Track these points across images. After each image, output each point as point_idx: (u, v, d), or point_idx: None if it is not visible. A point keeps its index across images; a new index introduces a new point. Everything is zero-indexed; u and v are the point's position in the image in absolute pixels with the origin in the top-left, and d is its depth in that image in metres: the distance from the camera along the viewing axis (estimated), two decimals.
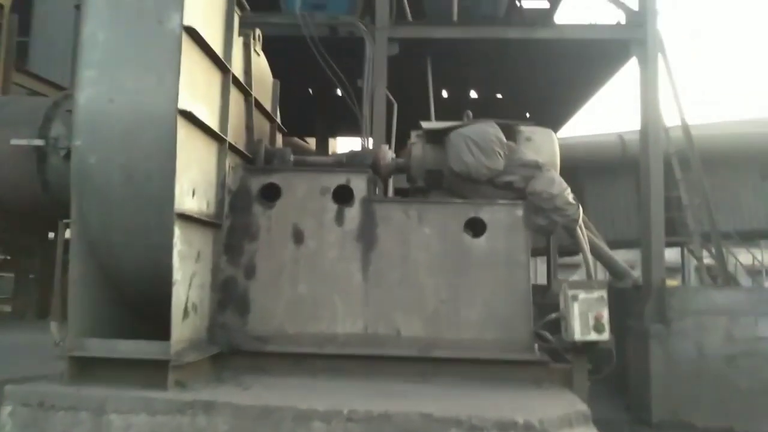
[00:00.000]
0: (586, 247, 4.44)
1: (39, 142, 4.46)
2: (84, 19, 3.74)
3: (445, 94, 11.77)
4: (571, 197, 4.36)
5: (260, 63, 5.36)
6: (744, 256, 14.75)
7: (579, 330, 3.90)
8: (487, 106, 11.23)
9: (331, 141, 15.44)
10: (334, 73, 8.41)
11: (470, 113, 5.04)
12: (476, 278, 4.40)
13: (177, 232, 3.68)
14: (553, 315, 4.11)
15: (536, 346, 4.18)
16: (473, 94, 12.00)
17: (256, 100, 5.12)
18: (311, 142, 14.73)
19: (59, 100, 4.49)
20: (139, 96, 3.69)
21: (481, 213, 4.50)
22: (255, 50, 5.14)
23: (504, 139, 4.56)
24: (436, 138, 4.85)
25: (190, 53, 3.77)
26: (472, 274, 4.41)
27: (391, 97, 8.43)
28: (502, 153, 4.50)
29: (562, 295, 4.02)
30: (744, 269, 13.57)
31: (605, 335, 3.90)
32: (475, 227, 4.51)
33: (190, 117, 3.76)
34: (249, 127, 4.96)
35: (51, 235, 6.77)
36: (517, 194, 4.53)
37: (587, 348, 4.07)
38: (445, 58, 9.27)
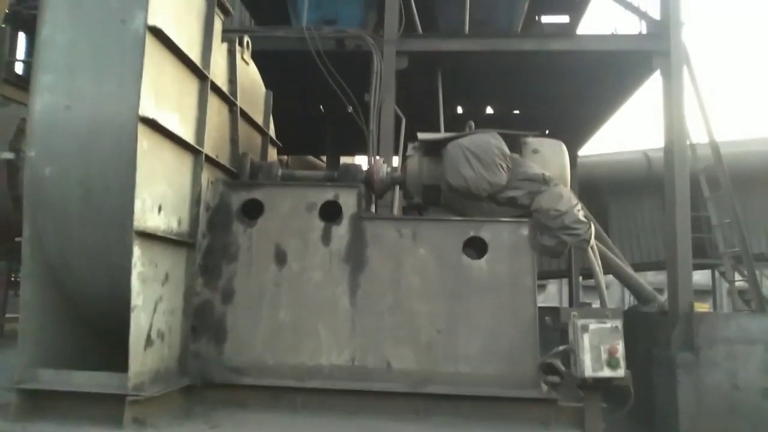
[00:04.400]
0: (600, 270, 3.96)
1: (8, 156, 4.18)
2: (42, 20, 3.47)
3: (459, 110, 11.40)
4: (581, 215, 3.90)
5: (249, 72, 5.05)
6: None
7: (590, 365, 3.41)
8: (504, 123, 10.82)
9: (345, 160, 15.16)
10: (341, 88, 8.14)
11: (472, 124, 4.63)
12: (476, 305, 3.94)
13: (137, 251, 3.33)
14: (561, 347, 3.63)
15: (543, 382, 3.69)
16: (489, 110, 11.60)
17: (243, 111, 4.81)
18: (324, 161, 14.47)
19: None
20: (99, 102, 3.39)
21: (481, 232, 4.05)
22: (243, 58, 4.84)
23: (507, 151, 4.13)
24: (434, 150, 4.44)
25: (155, 56, 3.45)
26: (471, 300, 3.96)
27: (399, 112, 8.09)
28: (504, 166, 4.06)
29: (570, 325, 3.54)
30: None
31: (620, 372, 3.41)
32: (476, 248, 4.07)
33: (154, 125, 3.43)
34: (233, 140, 4.63)
35: None
36: (521, 211, 4.08)
37: (602, 383, 3.57)
38: (458, 72, 8.92)
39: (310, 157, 14.89)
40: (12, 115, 4.71)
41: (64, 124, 3.40)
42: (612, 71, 8.95)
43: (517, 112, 11.43)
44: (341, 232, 4.18)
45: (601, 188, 13.82)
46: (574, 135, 11.40)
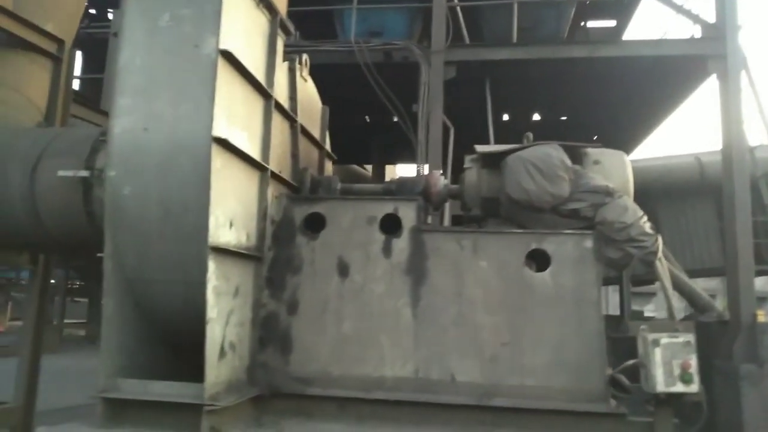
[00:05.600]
0: (668, 283, 3.90)
1: (84, 173, 4.37)
2: (121, 46, 3.64)
3: (505, 117, 11.37)
4: (648, 227, 3.85)
5: (307, 88, 5.17)
6: None
7: (662, 380, 3.36)
8: (551, 129, 10.76)
9: (389, 168, 15.27)
10: (389, 99, 8.24)
11: (530, 135, 4.62)
12: (541, 318, 3.93)
13: (212, 266, 3.45)
14: (630, 362, 3.59)
15: (611, 396, 3.65)
16: (536, 117, 11.53)
17: (302, 126, 4.92)
18: (368, 170, 14.60)
19: (106, 130, 4.39)
20: (174, 124, 3.53)
21: (544, 244, 4.04)
22: (301, 75, 4.96)
23: (569, 163, 4.11)
24: (493, 162, 4.46)
25: (227, 78, 3.59)
26: (535, 313, 3.95)
27: (447, 122, 8.14)
28: (567, 178, 4.05)
29: (640, 339, 3.50)
30: None
31: (694, 387, 3.35)
32: (538, 260, 4.06)
33: (226, 145, 3.56)
34: (294, 155, 4.75)
35: None
36: (584, 223, 4.06)
37: (674, 398, 3.51)
38: (505, 80, 8.92)
39: (354, 166, 15.07)
40: (84, 134, 4.91)
41: (142, 145, 3.56)
42: (663, 76, 8.80)
43: (564, 118, 11.33)
44: (402, 244, 4.23)
45: (651, 193, 13.47)
46: (624, 140, 11.22)
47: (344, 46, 8.41)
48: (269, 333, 4.15)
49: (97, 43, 9.94)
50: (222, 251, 3.57)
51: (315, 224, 4.36)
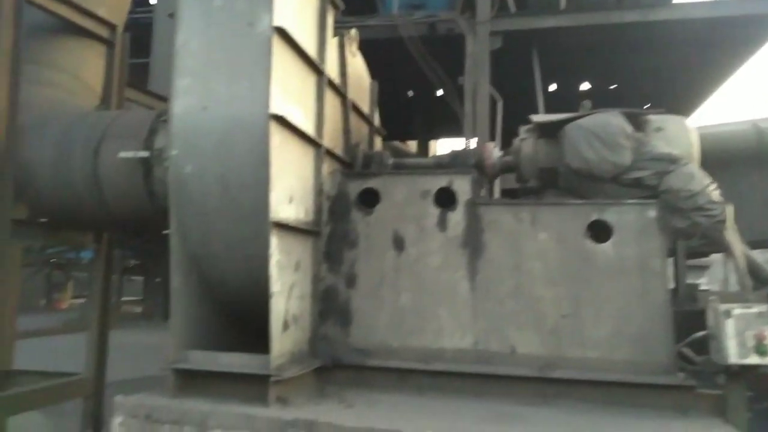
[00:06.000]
0: (739, 252, 3.76)
1: (144, 154, 4.48)
2: (177, 28, 3.69)
3: (553, 87, 11.07)
4: (716, 194, 3.71)
5: (356, 64, 5.14)
6: None
7: (736, 351, 3.26)
8: (601, 98, 10.41)
9: (432, 143, 15.14)
10: (434, 73, 8.13)
11: (588, 103, 4.49)
12: (603, 289, 3.86)
13: (274, 241, 3.51)
14: (699, 333, 3.49)
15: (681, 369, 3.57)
16: (584, 86, 11.19)
17: (353, 102, 4.91)
18: (412, 146, 14.51)
19: (163, 112, 4.49)
20: (232, 102, 3.57)
21: (605, 215, 3.94)
22: (350, 51, 4.93)
23: (630, 130, 3.98)
24: (550, 132, 4.36)
25: (281, 55, 3.60)
26: (597, 284, 3.88)
27: (495, 94, 8.00)
28: (628, 146, 3.93)
29: (710, 310, 3.39)
30: None
31: None
32: (600, 231, 3.97)
33: (283, 122, 3.59)
34: (346, 131, 4.75)
35: None
36: (648, 192, 3.94)
37: (748, 371, 3.41)
38: (553, 49, 8.68)
39: (397, 143, 14.99)
40: (141, 116, 5.02)
41: (201, 124, 3.62)
42: (720, 39, 8.40)
43: (614, 86, 10.96)
44: (457, 218, 4.20)
45: (706, 162, 13.00)
46: (677, 108, 10.77)
47: (389, 20, 8.32)
48: (329, 306, 4.21)
49: (141, 28, 10.12)
50: (283, 226, 3.62)
51: (369, 199, 4.38)
